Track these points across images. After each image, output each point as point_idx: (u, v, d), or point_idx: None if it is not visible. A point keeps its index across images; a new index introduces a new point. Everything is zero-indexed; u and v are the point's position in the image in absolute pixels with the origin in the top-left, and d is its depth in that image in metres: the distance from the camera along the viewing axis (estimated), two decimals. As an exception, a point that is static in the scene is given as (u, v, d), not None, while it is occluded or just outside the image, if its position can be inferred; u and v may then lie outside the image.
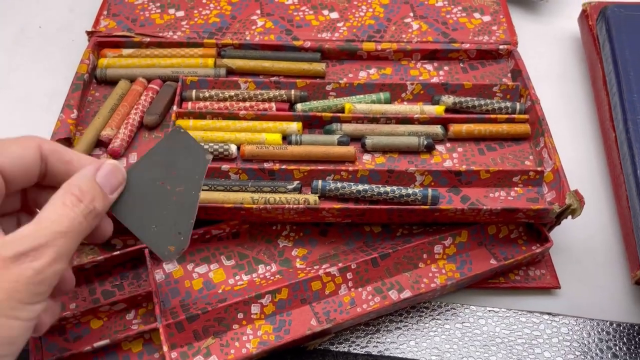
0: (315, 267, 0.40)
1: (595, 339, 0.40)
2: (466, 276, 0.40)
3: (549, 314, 0.41)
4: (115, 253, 0.39)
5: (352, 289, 0.39)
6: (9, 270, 0.24)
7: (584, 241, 0.44)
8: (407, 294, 0.39)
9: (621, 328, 0.40)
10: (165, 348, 0.35)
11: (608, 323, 0.40)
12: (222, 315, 0.37)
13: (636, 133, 0.43)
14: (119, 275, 0.40)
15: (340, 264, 0.39)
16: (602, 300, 0.41)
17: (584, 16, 0.54)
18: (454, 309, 0.41)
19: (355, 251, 0.41)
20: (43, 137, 0.31)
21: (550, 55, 0.55)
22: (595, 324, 0.40)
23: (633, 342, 0.40)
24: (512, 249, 0.42)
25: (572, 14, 0.58)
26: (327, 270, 0.39)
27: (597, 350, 0.39)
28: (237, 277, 0.40)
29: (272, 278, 0.40)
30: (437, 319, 0.40)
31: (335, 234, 0.42)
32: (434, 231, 0.42)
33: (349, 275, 0.39)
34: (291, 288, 0.38)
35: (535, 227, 0.42)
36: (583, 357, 0.39)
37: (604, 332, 0.40)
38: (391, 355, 0.39)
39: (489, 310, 0.41)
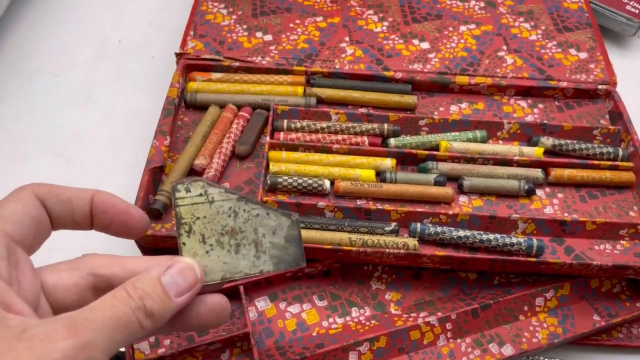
0: (412, 315, 0.39)
1: None
2: (569, 332, 0.38)
3: (653, 375, 0.39)
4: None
5: (451, 340, 0.38)
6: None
7: None
8: (508, 349, 0.38)
9: None
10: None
11: None
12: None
13: None
14: None
15: (439, 313, 0.38)
16: None
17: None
18: (554, 365, 0.39)
19: (451, 299, 0.40)
20: (34, 182, 0.26)
21: None
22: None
23: None
24: (615, 304, 0.40)
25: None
26: (427, 319, 0.38)
27: None
28: (331, 320, 0.39)
29: (367, 323, 0.39)
30: (537, 376, 0.39)
31: (429, 278, 0.41)
32: (533, 281, 0.40)
33: (448, 326, 0.38)
34: (390, 336, 0.37)
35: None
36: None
37: None
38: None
39: (590, 369, 0.39)
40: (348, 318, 0.39)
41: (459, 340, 0.38)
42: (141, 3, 0.59)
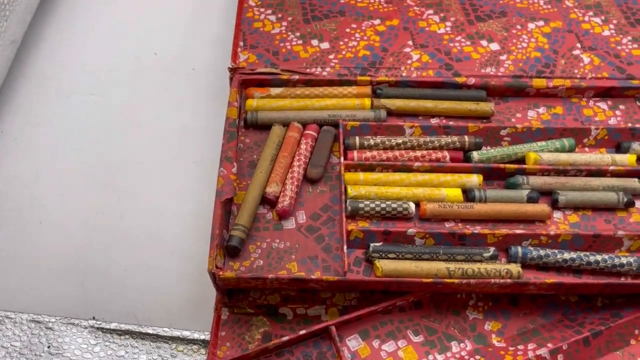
0: (519, 347, 0.36)
1: None
2: None
3: None
4: (301, 333, 0.35)
5: (563, 372, 0.35)
6: None
7: None
8: None
9: None
10: None
11: None
12: (622, 331, 0.34)
13: None
14: (301, 354, 0.35)
15: (549, 345, 0.35)
16: None
17: None
18: (669, 391, 0.36)
19: (557, 326, 0.37)
20: None
21: None
22: None
23: None
24: None
25: None
26: (537, 352, 0.35)
27: None
28: (431, 357, 0.36)
29: (471, 359, 0.35)
30: (653, 404, 0.36)
31: (528, 303, 0.38)
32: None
33: (559, 358, 0.35)
34: None
35: None
36: None
37: None
38: None
39: None
40: (449, 354, 0.36)
41: None
42: (174, 12, 0.55)
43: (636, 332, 0.36)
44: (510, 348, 0.36)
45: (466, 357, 0.36)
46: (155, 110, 0.48)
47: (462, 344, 0.36)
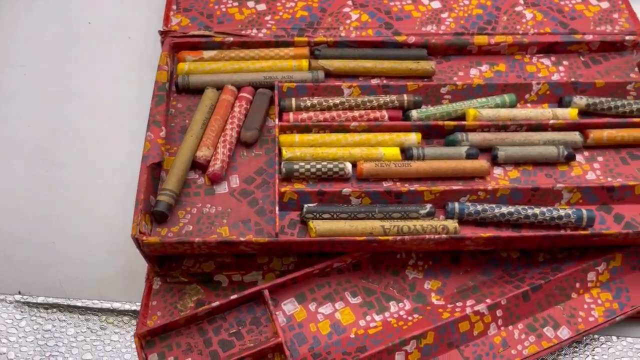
0: (457, 304, 0.35)
1: None
2: (626, 307, 0.35)
3: None
4: (232, 297, 0.33)
5: (502, 328, 0.35)
6: None
7: None
8: (565, 331, 0.34)
9: None
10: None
11: None
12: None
13: None
14: (234, 320, 0.34)
15: (488, 300, 0.34)
16: None
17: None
18: (610, 342, 0.36)
19: (497, 282, 0.36)
20: None
21: None
22: None
23: None
24: None
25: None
26: (475, 308, 0.34)
27: None
28: (369, 318, 0.35)
29: (409, 318, 0.35)
30: (594, 355, 0.36)
31: (469, 261, 0.37)
32: (581, 254, 0.37)
33: (498, 313, 0.34)
34: (437, 331, 0.33)
35: None
36: None
37: None
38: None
39: (649, 343, 0.36)
40: (387, 314, 0.35)
41: (510, 327, 0.35)
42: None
43: (577, 285, 0.36)
44: (449, 305, 0.35)
45: (404, 317, 0.35)
46: (89, 80, 0.46)
47: (400, 304, 0.36)
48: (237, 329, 0.34)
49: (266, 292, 0.34)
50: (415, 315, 0.35)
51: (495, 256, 0.37)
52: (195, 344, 0.33)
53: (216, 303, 0.33)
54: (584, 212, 0.36)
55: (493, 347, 0.34)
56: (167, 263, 0.36)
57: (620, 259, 0.37)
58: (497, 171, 0.39)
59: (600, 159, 0.40)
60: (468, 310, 0.34)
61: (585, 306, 0.35)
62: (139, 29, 0.48)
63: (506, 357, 0.34)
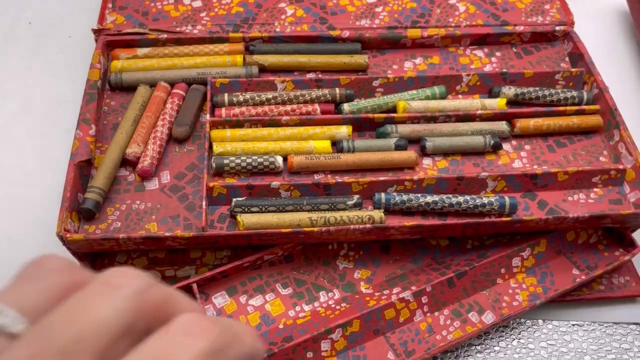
0: (384, 292, 0.36)
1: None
2: (550, 291, 0.36)
3: (636, 324, 0.37)
4: None
5: (428, 314, 0.35)
6: None
7: None
8: (489, 316, 0.35)
9: None
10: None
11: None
12: (291, 357, 0.33)
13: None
14: None
15: (413, 287, 0.35)
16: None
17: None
18: (536, 325, 0.37)
19: (424, 269, 0.37)
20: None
21: (596, 31, 0.51)
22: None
23: None
24: (593, 256, 0.38)
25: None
26: (400, 295, 0.35)
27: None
28: (298, 308, 0.36)
29: (337, 307, 0.35)
30: (520, 339, 0.37)
31: (399, 250, 0.38)
32: (508, 241, 0.38)
33: (424, 299, 0.35)
34: (363, 319, 0.34)
35: (616, 229, 0.38)
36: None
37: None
38: (475, 383, 0.35)
39: (573, 325, 0.37)
40: (316, 304, 0.36)
41: (436, 313, 0.35)
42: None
43: (502, 271, 0.37)
44: (376, 293, 0.36)
45: (333, 306, 0.36)
46: (26, 80, 0.46)
47: (330, 294, 0.36)
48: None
49: (194, 286, 0.34)
50: (344, 304, 0.35)
51: (425, 244, 0.38)
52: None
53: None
54: (507, 199, 0.37)
55: (419, 333, 0.35)
56: (100, 260, 0.36)
57: (545, 244, 0.38)
58: (427, 161, 0.40)
59: (527, 147, 0.41)
60: (394, 298, 0.35)
61: (510, 291, 0.36)
62: (80, 28, 0.48)
63: (431, 343, 0.34)
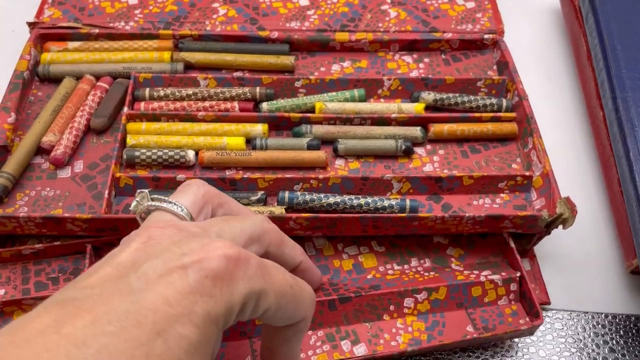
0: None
1: (591, 333, 0.37)
2: (434, 340, 0.34)
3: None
4: (55, 243, 0.35)
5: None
6: None
7: (574, 230, 0.39)
8: (361, 348, 0.34)
9: (617, 320, 0.37)
10: None
11: (603, 315, 0.37)
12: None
13: (626, 111, 0.39)
14: (57, 267, 0.36)
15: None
16: (595, 292, 0.38)
17: (564, -13, 0.50)
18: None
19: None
20: (204, 184, 0.29)
21: (528, 29, 0.51)
22: (590, 317, 0.37)
23: (630, 334, 0.37)
24: (495, 317, 0.35)
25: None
26: None
27: (594, 346, 0.36)
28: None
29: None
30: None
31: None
32: (409, 281, 0.36)
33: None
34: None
35: (528, 297, 0.35)
36: (579, 354, 0.36)
37: (600, 326, 0.37)
38: None
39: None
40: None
41: (309, 332, 0.34)
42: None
43: (391, 308, 0.35)
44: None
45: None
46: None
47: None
48: (57, 275, 0.35)
49: (88, 247, 0.35)
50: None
51: (328, 264, 0.37)
52: (15, 279, 0.35)
53: (40, 245, 0.35)
54: (408, 201, 0.37)
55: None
56: (10, 244, 0.37)
57: (445, 292, 0.35)
58: (339, 162, 0.40)
59: (441, 152, 0.41)
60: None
61: (394, 330, 0.34)
62: (23, 23, 0.50)
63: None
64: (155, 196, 0.27)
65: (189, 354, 0.20)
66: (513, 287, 0.36)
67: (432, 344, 0.34)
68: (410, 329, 0.34)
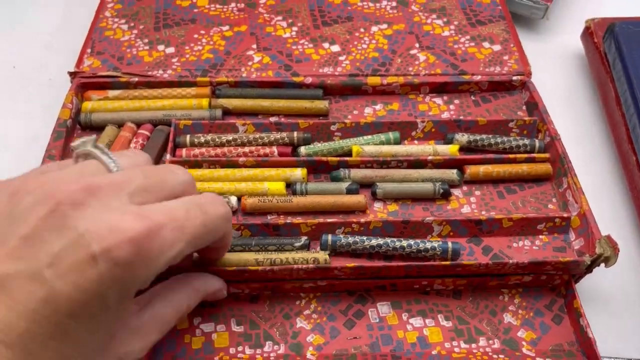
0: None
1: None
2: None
3: None
4: None
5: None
6: None
7: (613, 277, 0.40)
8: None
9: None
10: None
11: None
12: None
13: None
14: None
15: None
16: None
17: (588, 33, 0.51)
18: None
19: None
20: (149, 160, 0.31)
21: (553, 73, 0.52)
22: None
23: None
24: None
25: (575, 29, 0.54)
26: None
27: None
28: (240, 348, 0.36)
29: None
30: None
31: (363, 329, 0.37)
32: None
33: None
34: None
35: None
36: None
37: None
38: None
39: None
40: (258, 351, 0.35)
41: None
42: (37, 26, 0.55)
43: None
44: None
45: (272, 358, 0.36)
46: (6, 120, 0.48)
47: (276, 346, 0.36)
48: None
49: None
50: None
51: (391, 333, 0.37)
52: None
53: None
54: (450, 244, 0.38)
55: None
56: None
57: None
58: (378, 205, 0.41)
59: (477, 193, 0.42)
60: None
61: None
62: (60, 71, 0.51)
63: None
64: (100, 145, 0.28)
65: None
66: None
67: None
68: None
